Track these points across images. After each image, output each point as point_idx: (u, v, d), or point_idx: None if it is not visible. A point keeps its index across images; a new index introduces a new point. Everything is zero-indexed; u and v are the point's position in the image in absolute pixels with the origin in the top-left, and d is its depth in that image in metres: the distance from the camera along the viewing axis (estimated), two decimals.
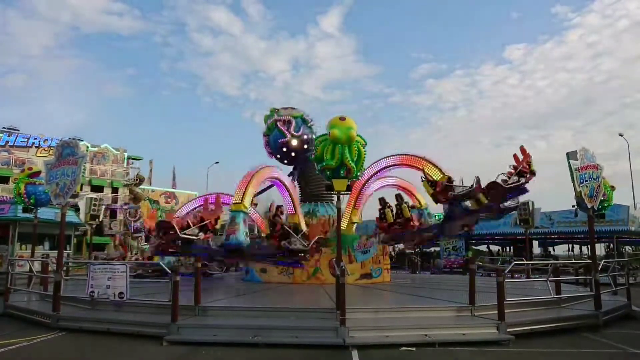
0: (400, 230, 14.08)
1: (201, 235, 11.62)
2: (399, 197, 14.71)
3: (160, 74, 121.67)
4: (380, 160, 14.28)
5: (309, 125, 15.17)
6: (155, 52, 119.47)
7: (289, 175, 15.84)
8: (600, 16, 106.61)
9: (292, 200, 14.70)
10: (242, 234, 11.56)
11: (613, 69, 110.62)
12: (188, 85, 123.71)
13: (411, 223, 14.00)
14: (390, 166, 14.22)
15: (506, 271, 9.29)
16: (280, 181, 14.49)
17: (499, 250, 34.12)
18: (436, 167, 12.57)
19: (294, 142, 14.65)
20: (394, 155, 14.04)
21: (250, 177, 12.66)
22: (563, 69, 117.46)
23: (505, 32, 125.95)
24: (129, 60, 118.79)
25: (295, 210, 14.62)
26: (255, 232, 17.15)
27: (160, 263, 10.83)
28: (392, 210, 14.34)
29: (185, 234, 11.30)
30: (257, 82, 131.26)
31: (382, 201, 14.81)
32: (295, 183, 16.28)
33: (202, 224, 11.57)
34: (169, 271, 8.69)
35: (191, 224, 11.46)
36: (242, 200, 12.01)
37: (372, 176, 14.48)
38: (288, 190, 14.66)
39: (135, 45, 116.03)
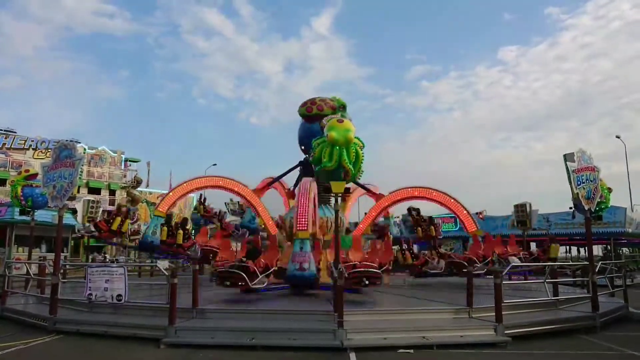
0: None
1: (267, 281, 11.11)
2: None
3: (155, 76, 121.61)
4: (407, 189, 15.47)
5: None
6: (148, 53, 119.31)
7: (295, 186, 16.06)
8: (593, 17, 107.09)
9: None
10: (313, 264, 10.86)
11: (608, 70, 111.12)
12: (183, 86, 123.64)
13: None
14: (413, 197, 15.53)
15: (504, 273, 9.29)
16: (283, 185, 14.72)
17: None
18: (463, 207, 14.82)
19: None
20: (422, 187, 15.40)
21: (304, 204, 11.87)
22: (557, 70, 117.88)
23: (498, 34, 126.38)
24: (123, 62, 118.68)
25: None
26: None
27: (159, 265, 10.80)
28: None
29: (255, 285, 10.70)
30: (251, 84, 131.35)
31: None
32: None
33: (269, 272, 11.15)
34: (167, 273, 8.68)
35: (257, 271, 10.74)
36: (306, 227, 11.32)
37: (394, 203, 15.64)
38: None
39: (129, 46, 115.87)
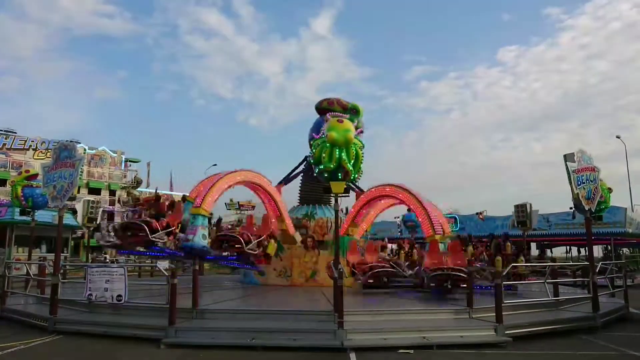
0: None
1: (166, 238, 11.89)
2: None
3: (155, 76, 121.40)
4: (376, 188, 14.29)
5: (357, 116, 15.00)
6: (147, 54, 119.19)
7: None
8: (593, 18, 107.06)
9: (276, 205, 14.49)
10: (199, 237, 11.37)
11: (606, 71, 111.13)
12: (181, 87, 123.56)
13: None
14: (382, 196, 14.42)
15: (503, 273, 9.29)
16: (261, 187, 14.08)
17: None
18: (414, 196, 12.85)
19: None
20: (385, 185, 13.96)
21: (214, 181, 12.30)
22: (556, 70, 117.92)
23: (497, 35, 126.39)
24: (122, 62, 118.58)
25: (281, 215, 14.46)
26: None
27: (159, 265, 10.83)
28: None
29: (155, 237, 11.45)
30: (250, 85, 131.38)
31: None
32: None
33: (169, 230, 11.92)
34: (167, 273, 8.69)
35: (159, 227, 11.63)
36: (201, 204, 11.66)
37: (367, 202, 14.73)
38: (271, 195, 14.37)
39: (128, 47, 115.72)
